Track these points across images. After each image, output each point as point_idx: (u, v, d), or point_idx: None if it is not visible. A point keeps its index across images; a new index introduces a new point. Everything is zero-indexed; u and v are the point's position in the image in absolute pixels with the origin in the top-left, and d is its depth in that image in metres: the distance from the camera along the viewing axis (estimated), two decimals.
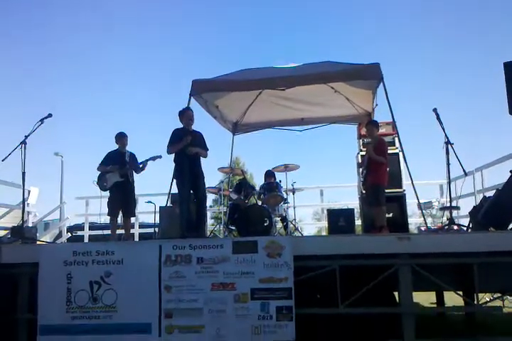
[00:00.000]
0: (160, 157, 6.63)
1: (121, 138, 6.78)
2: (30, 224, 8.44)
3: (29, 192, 8.47)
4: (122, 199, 6.60)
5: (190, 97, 6.75)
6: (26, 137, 5.60)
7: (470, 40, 44.53)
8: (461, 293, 4.64)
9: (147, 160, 6.73)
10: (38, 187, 8.89)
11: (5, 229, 7.67)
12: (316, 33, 47.29)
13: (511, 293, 4.76)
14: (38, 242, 6.31)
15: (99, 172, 6.69)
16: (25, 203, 6.90)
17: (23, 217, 6.03)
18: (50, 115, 5.80)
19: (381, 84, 6.35)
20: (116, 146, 6.81)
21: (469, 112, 47.49)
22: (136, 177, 6.82)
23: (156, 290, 4.32)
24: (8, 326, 4.61)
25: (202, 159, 5.97)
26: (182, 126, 5.97)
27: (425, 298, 6.45)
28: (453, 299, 5.53)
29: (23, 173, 5.61)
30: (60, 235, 10.76)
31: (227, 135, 9.15)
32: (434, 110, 5.64)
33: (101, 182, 6.64)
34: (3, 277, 4.67)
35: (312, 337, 4.41)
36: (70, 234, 10.67)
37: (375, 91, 6.91)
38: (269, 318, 4.18)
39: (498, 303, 4.88)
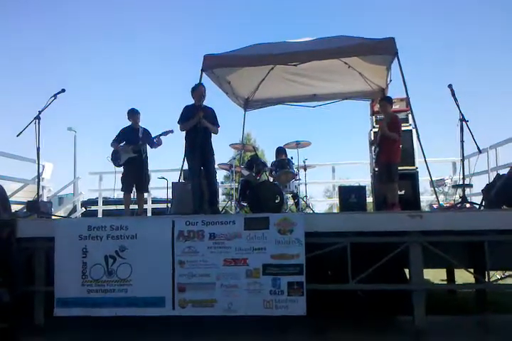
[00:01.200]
0: (172, 132, 6.63)
1: (133, 115, 6.79)
2: (45, 199, 8.57)
3: (43, 167, 8.55)
4: (135, 175, 6.66)
5: (201, 73, 6.69)
6: (40, 112, 5.63)
7: (488, 14, 43.19)
8: (472, 270, 4.66)
9: (159, 136, 6.74)
10: (51, 163, 8.98)
11: (20, 203, 7.79)
12: (326, 7, 46.16)
13: None
14: (53, 217, 6.42)
15: (112, 148, 6.73)
16: (40, 178, 6.97)
17: (38, 192, 6.10)
18: (63, 90, 5.79)
19: (396, 59, 6.24)
20: (129, 123, 6.83)
21: (484, 88, 46.50)
22: (149, 153, 6.86)
23: (169, 265, 4.40)
24: (26, 299, 4.74)
25: (213, 135, 5.97)
26: (193, 102, 5.96)
27: (436, 276, 6.49)
28: (463, 277, 5.57)
29: (38, 148, 5.65)
30: (74, 210, 10.90)
31: (239, 111, 9.13)
32: (450, 86, 5.52)
33: (115, 158, 6.69)
34: (20, 251, 4.77)
35: (323, 312, 4.49)
36: (84, 209, 10.82)
37: (390, 67, 6.79)
38: (281, 293, 4.24)
39: (509, 281, 4.89)
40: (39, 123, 5.59)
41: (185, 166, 6.45)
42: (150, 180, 7.29)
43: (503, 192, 5.05)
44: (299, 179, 7.51)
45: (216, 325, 4.55)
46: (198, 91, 5.93)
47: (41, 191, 7.42)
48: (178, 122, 5.92)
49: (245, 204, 7.07)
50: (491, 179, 6.46)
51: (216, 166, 6.25)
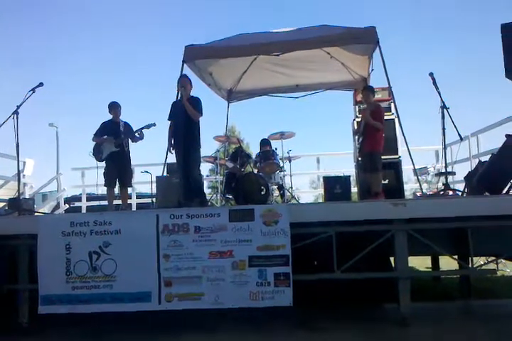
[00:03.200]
0: (154, 125, 6.57)
1: (113, 108, 6.70)
2: (26, 196, 8.44)
3: (24, 163, 8.42)
4: (118, 169, 6.59)
5: (183, 64, 6.61)
6: (18, 107, 5.49)
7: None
8: (456, 257, 4.71)
9: (141, 129, 6.66)
10: (33, 159, 8.85)
11: (1, 201, 7.66)
12: None
13: (505, 257, 4.83)
14: (35, 214, 6.33)
15: (94, 143, 6.64)
16: (21, 175, 6.85)
17: (19, 189, 6.00)
18: (41, 84, 5.66)
19: (377, 48, 6.24)
20: (110, 116, 6.74)
21: (466, 75, 46.75)
22: (132, 146, 6.78)
23: (154, 259, 4.36)
24: (10, 297, 4.67)
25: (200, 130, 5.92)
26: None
27: (421, 263, 6.56)
28: (448, 264, 5.63)
29: (17, 144, 5.53)
30: (57, 206, 10.78)
31: (222, 103, 9.07)
32: (431, 74, 5.55)
33: (96, 153, 6.61)
34: (2, 248, 4.69)
35: (310, 302, 4.50)
36: (67, 206, 10.70)
37: (371, 56, 6.79)
38: (267, 285, 4.24)
39: (492, 267, 4.96)
40: (17, 118, 5.47)
41: (169, 160, 6.39)
42: (133, 175, 7.22)
43: (484, 179, 5.10)
44: (284, 170, 7.50)
45: (203, 317, 4.54)
46: (180, 82, 5.90)
47: (22, 188, 7.31)
48: (168, 119, 5.92)
49: (230, 196, 7.05)
50: (473, 166, 6.53)
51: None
